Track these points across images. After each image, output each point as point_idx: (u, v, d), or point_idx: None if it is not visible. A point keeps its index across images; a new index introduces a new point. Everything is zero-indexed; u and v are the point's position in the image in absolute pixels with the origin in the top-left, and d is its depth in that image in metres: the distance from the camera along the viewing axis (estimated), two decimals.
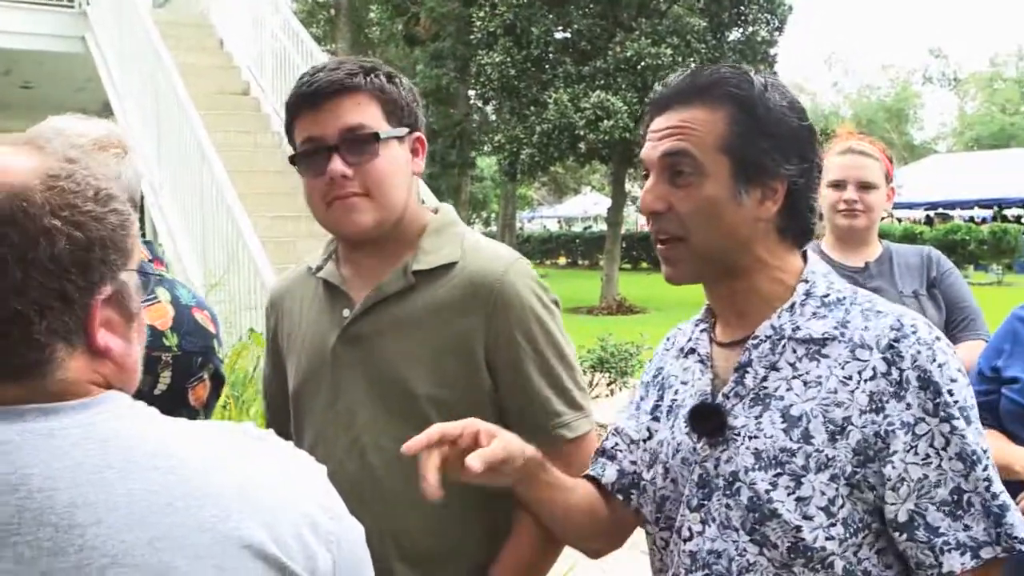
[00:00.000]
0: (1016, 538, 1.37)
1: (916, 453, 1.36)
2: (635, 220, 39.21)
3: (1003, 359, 2.41)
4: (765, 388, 1.45)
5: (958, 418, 1.36)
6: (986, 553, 1.36)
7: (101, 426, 0.98)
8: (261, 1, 12.02)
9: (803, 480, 1.38)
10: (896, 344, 1.39)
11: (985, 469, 1.37)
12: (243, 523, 0.99)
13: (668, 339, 1.74)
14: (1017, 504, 1.44)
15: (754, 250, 1.48)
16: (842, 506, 1.38)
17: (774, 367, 1.46)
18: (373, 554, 1.19)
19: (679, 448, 1.54)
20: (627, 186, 23.22)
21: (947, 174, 33.15)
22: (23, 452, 0.94)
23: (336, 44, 28.29)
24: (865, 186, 3.09)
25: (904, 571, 1.42)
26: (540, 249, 38.29)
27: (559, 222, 53.26)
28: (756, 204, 1.46)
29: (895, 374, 1.37)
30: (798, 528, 1.38)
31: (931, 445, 1.36)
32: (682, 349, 1.64)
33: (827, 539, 1.37)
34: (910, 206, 31.61)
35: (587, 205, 48.79)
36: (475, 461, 1.40)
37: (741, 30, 21.84)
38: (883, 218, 3.29)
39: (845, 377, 1.40)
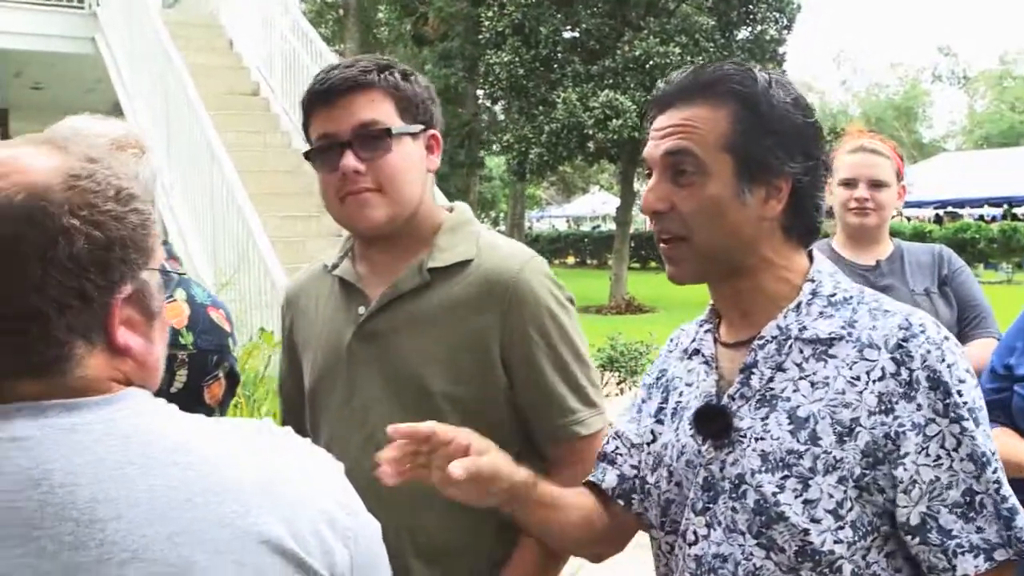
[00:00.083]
0: None
1: (927, 455, 1.34)
2: (644, 219, 38.78)
3: (1015, 356, 2.40)
4: (771, 389, 1.43)
5: (968, 419, 1.34)
6: (999, 555, 1.33)
7: (122, 422, 0.99)
8: (271, 2, 12.05)
9: (811, 482, 1.36)
10: (905, 344, 1.37)
11: (995, 471, 1.35)
12: (262, 519, 0.99)
13: (672, 340, 1.71)
14: None
15: (759, 250, 1.46)
16: (850, 509, 1.36)
17: (780, 368, 1.43)
18: (389, 550, 1.20)
19: (684, 451, 1.52)
20: (636, 185, 23.18)
21: (957, 172, 33.06)
22: (44, 447, 0.95)
23: (344, 44, 28.31)
24: (876, 184, 3.09)
25: (913, 575, 1.40)
26: (549, 248, 38.22)
27: (568, 221, 53.17)
28: (760, 203, 1.43)
29: (904, 374, 1.35)
30: (806, 531, 1.36)
31: (942, 446, 1.34)
32: (686, 350, 1.62)
33: (835, 542, 1.35)
34: (919, 205, 31.52)
35: (596, 204, 48.76)
36: (457, 468, 1.39)
37: (750, 29, 21.80)
38: (893, 216, 3.29)
39: (853, 377, 1.38)
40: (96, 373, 1.00)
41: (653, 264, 31.01)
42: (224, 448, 1.03)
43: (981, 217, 32.46)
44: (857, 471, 1.35)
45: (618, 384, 9.37)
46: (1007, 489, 1.37)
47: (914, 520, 1.34)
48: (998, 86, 60.83)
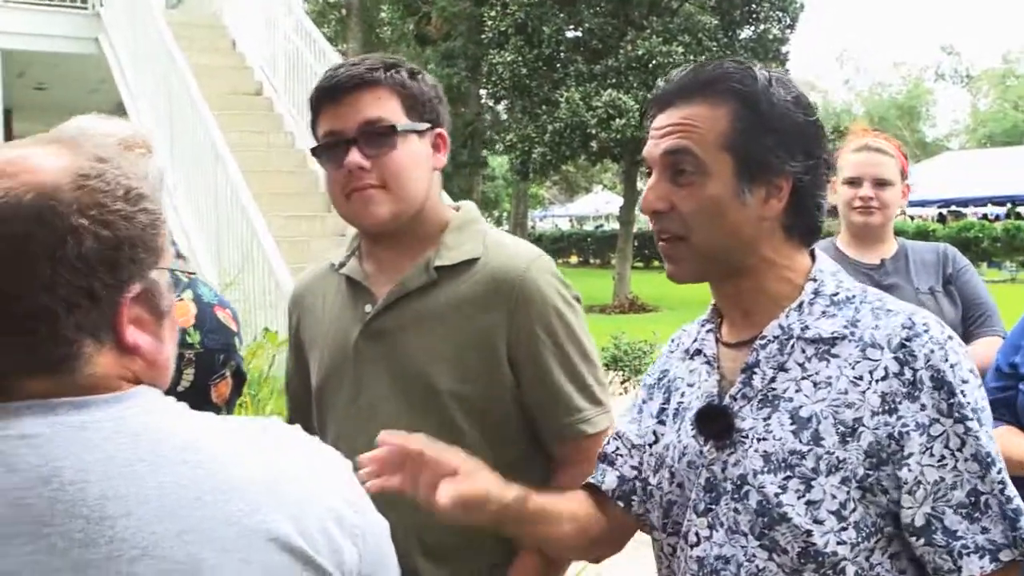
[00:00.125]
0: None
1: (932, 455, 1.32)
2: (647, 219, 38.99)
3: (1021, 355, 2.41)
4: (773, 389, 1.42)
5: (972, 419, 1.33)
6: (1005, 556, 1.32)
7: (132, 420, 0.99)
8: (274, 2, 12.06)
9: (813, 483, 1.35)
10: (908, 343, 1.35)
11: (1000, 472, 1.34)
12: (270, 516, 1.00)
13: (673, 341, 1.69)
14: None
15: (759, 249, 1.45)
16: (854, 510, 1.34)
17: (782, 368, 1.42)
18: (397, 549, 1.20)
19: (686, 451, 1.50)
20: (639, 185, 23.14)
21: (960, 171, 32.99)
22: (54, 445, 0.95)
23: (347, 44, 28.31)
24: (881, 183, 3.10)
25: None
26: (551, 248, 38.12)
27: (571, 221, 53.12)
28: (760, 203, 1.42)
29: (908, 374, 1.34)
30: (808, 532, 1.34)
31: (946, 446, 1.32)
32: (688, 350, 1.60)
33: (838, 544, 1.34)
34: (923, 204, 31.46)
35: (599, 204, 48.72)
36: (444, 496, 1.38)
37: (753, 28, 21.80)
38: (897, 215, 3.29)
39: (856, 377, 1.36)
40: (105, 371, 1.01)
41: (656, 263, 30.95)
42: (232, 446, 1.03)
43: (985, 216, 32.44)
44: (860, 472, 1.34)
45: (622, 383, 9.39)
46: (1012, 489, 1.35)
47: (919, 521, 1.33)
48: (1001, 85, 60.74)
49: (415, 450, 1.42)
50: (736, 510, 1.41)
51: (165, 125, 9.98)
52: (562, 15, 20.32)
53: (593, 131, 18.97)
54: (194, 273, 2.19)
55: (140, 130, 2.09)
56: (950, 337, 1.38)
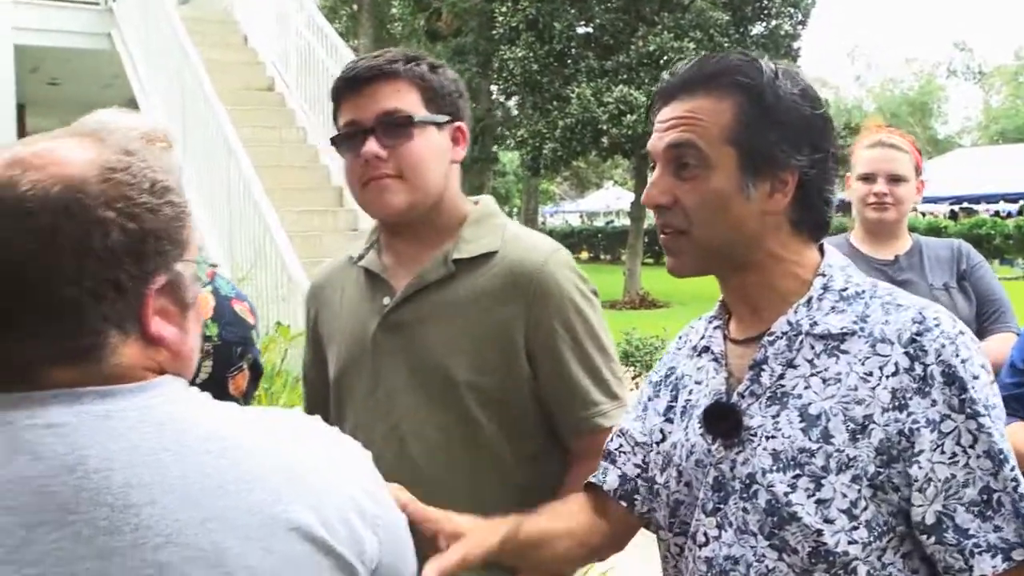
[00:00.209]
0: None
1: (943, 452, 1.29)
2: None
3: None
4: (782, 386, 1.39)
5: (984, 415, 1.30)
6: (1018, 555, 1.28)
7: (157, 409, 1.00)
8: None
9: (823, 481, 1.32)
10: (919, 338, 1.33)
11: (1012, 469, 1.30)
12: (291, 506, 1.01)
13: (680, 338, 1.67)
14: None
15: (764, 244, 1.43)
16: (865, 508, 1.31)
17: (791, 364, 1.39)
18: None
19: (693, 450, 1.48)
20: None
21: (972, 168, 32.81)
22: (80, 433, 0.96)
23: (358, 40, 28.31)
24: (895, 179, 3.09)
25: (931, 575, 1.35)
26: (562, 243, 38.05)
27: (581, 217, 53.00)
28: (764, 197, 1.40)
29: (919, 369, 1.31)
30: (819, 532, 1.31)
31: (958, 443, 1.29)
32: (695, 347, 1.58)
33: (850, 543, 1.31)
34: (934, 201, 31.29)
35: (609, 199, 48.58)
36: (430, 573, 1.31)
37: (764, 24, 21.74)
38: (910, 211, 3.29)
39: (866, 373, 1.34)
40: (131, 362, 1.02)
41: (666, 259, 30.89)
42: (255, 436, 1.04)
43: (997, 213, 32.25)
44: (871, 469, 1.31)
45: (633, 379, 9.38)
46: None
47: (929, 519, 1.30)
48: (1014, 81, 60.47)
49: (402, 501, 1.31)
50: (745, 509, 1.39)
51: (178, 120, 9.98)
52: (573, 11, 20.29)
53: (604, 127, 18.94)
54: (216, 265, 2.21)
55: (160, 124, 2.10)
56: (962, 332, 1.35)
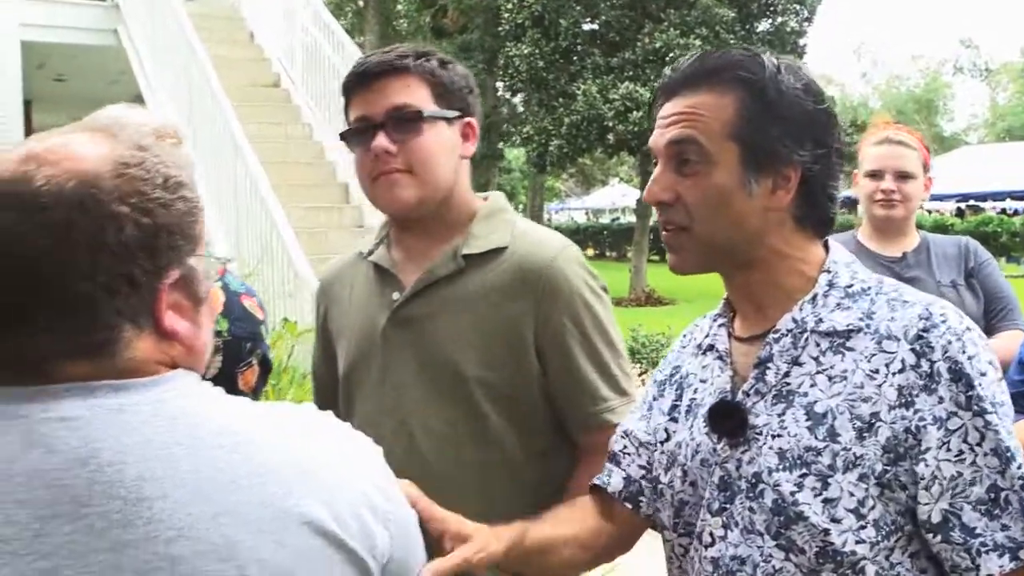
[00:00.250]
0: None
1: (949, 449, 1.27)
2: None
3: None
4: (787, 384, 1.38)
5: (991, 412, 1.28)
6: None
7: (170, 403, 1.00)
8: None
9: (830, 480, 1.30)
10: (925, 334, 1.31)
11: (1020, 467, 1.28)
12: (303, 500, 1.01)
13: (685, 336, 1.66)
14: None
15: (767, 241, 1.41)
16: (872, 507, 1.30)
17: (796, 362, 1.38)
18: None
19: (698, 449, 1.46)
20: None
21: (978, 165, 32.73)
22: (93, 427, 0.96)
23: (364, 36, 28.31)
24: (903, 176, 3.09)
25: (939, 575, 1.33)
26: None
27: (587, 214, 52.94)
28: (767, 194, 1.39)
29: (925, 366, 1.29)
30: (826, 531, 1.30)
31: (965, 440, 1.27)
32: (700, 346, 1.57)
33: (857, 542, 1.29)
34: (941, 198, 31.25)
35: (615, 197, 48.52)
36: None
37: (770, 21, 21.71)
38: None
39: (872, 370, 1.32)
40: (144, 356, 1.02)
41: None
42: (267, 431, 1.05)
43: (1003, 211, 32.19)
44: (879, 468, 1.29)
45: (639, 376, 9.38)
46: None
47: (936, 518, 1.28)
48: (1020, 79, 60.28)
49: (411, 499, 1.27)
50: (751, 509, 1.38)
51: (184, 116, 9.99)
52: (579, 7, 20.28)
53: (610, 124, 18.94)
54: (231, 260, 2.21)
55: (170, 120, 2.11)
56: (968, 328, 1.33)
